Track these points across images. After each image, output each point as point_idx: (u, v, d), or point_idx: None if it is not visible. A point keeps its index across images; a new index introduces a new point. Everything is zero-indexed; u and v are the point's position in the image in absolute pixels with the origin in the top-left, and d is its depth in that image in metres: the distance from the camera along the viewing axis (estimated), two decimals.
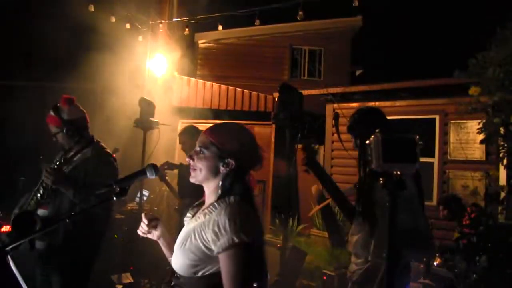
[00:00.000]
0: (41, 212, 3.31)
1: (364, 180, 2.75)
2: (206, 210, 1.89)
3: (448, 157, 7.77)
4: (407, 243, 2.46)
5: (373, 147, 1.39)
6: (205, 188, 1.98)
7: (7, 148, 7.83)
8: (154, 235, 2.17)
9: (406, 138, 1.39)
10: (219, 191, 1.90)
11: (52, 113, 3.43)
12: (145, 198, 7.31)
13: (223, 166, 1.88)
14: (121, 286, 5.51)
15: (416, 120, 8.12)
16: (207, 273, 1.82)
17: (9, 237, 3.27)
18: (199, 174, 1.92)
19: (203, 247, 1.81)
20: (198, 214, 1.94)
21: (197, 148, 1.94)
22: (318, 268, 5.86)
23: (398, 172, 1.36)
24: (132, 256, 6.01)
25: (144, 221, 2.14)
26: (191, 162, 1.94)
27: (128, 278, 5.73)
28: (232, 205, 1.83)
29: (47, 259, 3.28)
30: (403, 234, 2.56)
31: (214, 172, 1.90)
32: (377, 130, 1.40)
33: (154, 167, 2.17)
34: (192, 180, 1.96)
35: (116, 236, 6.46)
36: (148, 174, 2.15)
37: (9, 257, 1.96)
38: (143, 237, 2.21)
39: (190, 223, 1.97)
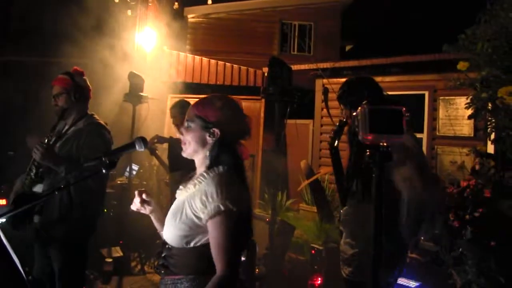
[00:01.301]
0: (37, 188, 3.32)
1: (359, 156, 2.73)
2: (195, 181, 1.92)
3: (437, 133, 7.82)
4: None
5: (360, 118, 1.41)
6: (196, 161, 2.03)
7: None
8: (146, 209, 2.20)
9: (393, 109, 1.40)
10: (207, 161, 1.95)
11: (64, 75, 3.45)
12: (134, 172, 7.32)
13: (209, 136, 1.93)
14: (110, 260, 5.54)
15: (406, 95, 8.14)
16: (198, 244, 1.86)
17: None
18: (188, 147, 1.98)
19: (193, 216, 1.84)
20: (188, 185, 1.97)
21: (185, 123, 1.99)
22: (307, 242, 5.92)
23: (385, 143, 1.38)
24: (121, 230, 6.04)
25: (137, 196, 2.17)
26: (182, 137, 2.00)
27: (117, 252, 5.77)
28: (220, 174, 1.87)
29: (44, 233, 3.29)
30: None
31: (202, 143, 1.95)
32: (364, 102, 1.41)
33: (143, 140, 2.18)
34: (184, 154, 2.01)
35: (105, 210, 6.46)
36: (137, 147, 2.17)
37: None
38: (132, 211, 2.24)
39: (181, 194, 1.99)
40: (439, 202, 2.95)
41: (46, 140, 3.32)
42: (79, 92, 3.46)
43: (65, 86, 3.42)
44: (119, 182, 7.19)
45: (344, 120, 2.95)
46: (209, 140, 1.93)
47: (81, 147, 3.31)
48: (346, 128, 2.97)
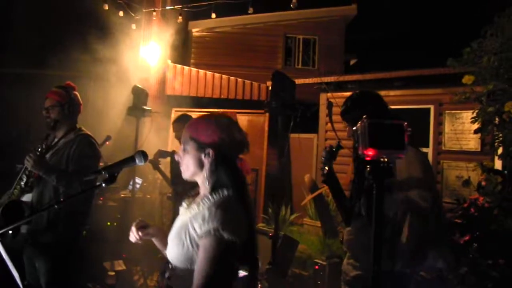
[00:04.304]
0: (26, 197, 3.38)
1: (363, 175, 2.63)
2: (199, 201, 1.90)
3: (443, 147, 7.77)
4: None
5: (360, 133, 1.37)
6: (198, 182, 2.00)
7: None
8: (147, 237, 2.19)
9: (394, 124, 1.36)
10: (207, 183, 1.92)
11: (58, 88, 3.54)
12: (138, 186, 7.31)
13: (205, 157, 1.91)
14: (113, 273, 5.50)
15: (410, 110, 8.10)
16: None
17: None
18: (186, 170, 1.98)
19: (195, 237, 1.81)
20: (192, 205, 1.95)
21: (181, 146, 1.98)
22: (310, 257, 5.87)
23: (386, 159, 1.34)
24: (124, 244, 6.01)
25: (134, 230, 2.15)
26: (180, 160, 1.99)
27: (120, 266, 5.73)
28: (222, 199, 1.85)
29: (32, 242, 3.32)
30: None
31: (199, 165, 1.93)
32: (364, 116, 1.38)
33: (143, 154, 2.17)
34: (184, 175, 2.00)
35: (109, 223, 6.46)
36: (137, 161, 2.15)
37: None
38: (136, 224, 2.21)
39: (184, 214, 1.97)
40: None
41: (38, 149, 3.39)
42: (72, 106, 3.56)
43: (59, 99, 3.50)
44: (122, 195, 7.18)
45: (337, 144, 2.88)
46: (205, 161, 1.91)
47: (71, 156, 3.38)
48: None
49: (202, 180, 1.95)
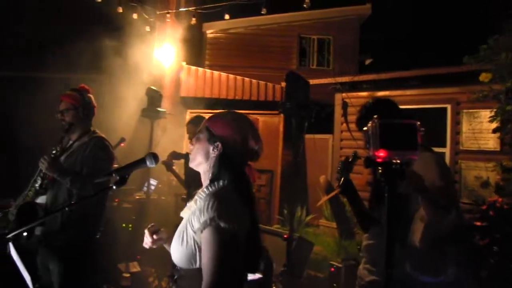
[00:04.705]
0: (41, 199, 3.40)
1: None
2: (197, 197, 1.89)
3: (460, 147, 7.65)
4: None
5: (371, 134, 1.32)
6: (201, 174, 1.99)
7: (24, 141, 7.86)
8: (160, 242, 2.19)
9: (406, 124, 1.31)
10: (208, 175, 1.92)
11: (73, 91, 3.56)
12: (152, 187, 7.32)
13: (213, 150, 1.90)
14: (128, 275, 5.52)
15: (427, 109, 8.00)
16: None
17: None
18: (193, 158, 1.97)
19: (193, 234, 1.78)
20: (191, 202, 1.93)
21: (197, 134, 1.99)
22: (326, 259, 5.81)
23: (398, 160, 1.30)
24: (139, 245, 6.00)
25: (147, 235, 2.16)
26: (191, 147, 1.99)
27: (135, 267, 5.74)
28: (217, 189, 1.84)
29: (45, 244, 3.34)
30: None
31: (206, 156, 1.93)
32: (375, 116, 1.33)
33: (153, 156, 2.15)
34: (190, 164, 2.00)
35: (124, 225, 6.48)
36: (147, 163, 2.14)
37: (10, 244, 1.96)
38: (151, 227, 2.21)
39: (185, 213, 1.95)
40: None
41: (53, 151, 3.41)
42: (86, 109, 3.57)
43: (74, 102, 3.51)
44: (137, 197, 7.19)
45: (354, 155, 2.83)
46: (212, 153, 1.90)
47: (85, 159, 3.40)
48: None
49: (205, 171, 1.95)
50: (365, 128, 1.41)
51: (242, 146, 1.91)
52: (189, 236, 1.80)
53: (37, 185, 3.41)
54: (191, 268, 1.81)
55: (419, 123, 1.32)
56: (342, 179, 2.81)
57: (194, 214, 1.81)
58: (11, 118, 8.37)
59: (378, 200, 2.64)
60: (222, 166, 1.88)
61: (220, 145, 1.89)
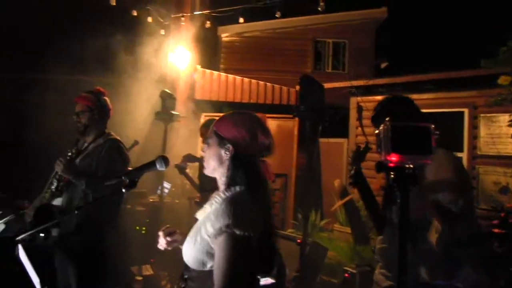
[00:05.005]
0: (57, 201, 3.42)
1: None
2: (212, 201, 1.88)
3: (478, 152, 7.52)
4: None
5: (383, 137, 1.28)
6: (217, 179, 1.98)
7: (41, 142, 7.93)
8: (174, 245, 2.18)
9: (419, 127, 1.26)
10: (223, 179, 1.91)
11: (88, 93, 3.58)
12: (166, 190, 7.33)
13: (225, 153, 1.89)
14: (140, 278, 5.53)
15: (443, 113, 7.90)
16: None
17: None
18: (207, 165, 1.97)
19: (207, 237, 1.78)
20: (206, 205, 1.92)
21: (206, 140, 1.98)
22: (340, 264, 5.74)
23: (410, 165, 1.25)
24: (153, 249, 6.00)
25: (162, 237, 2.14)
26: (203, 154, 1.98)
27: (148, 270, 5.75)
28: (233, 195, 1.82)
29: (61, 246, 3.37)
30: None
31: (219, 160, 1.91)
32: (387, 118, 1.28)
33: (164, 159, 2.14)
34: (205, 171, 1.99)
35: (137, 228, 6.49)
36: (157, 166, 2.13)
37: (20, 246, 1.96)
38: (164, 230, 2.21)
39: (200, 215, 1.95)
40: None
41: (69, 154, 3.45)
42: (102, 111, 3.60)
43: (89, 104, 3.54)
44: (151, 200, 7.21)
45: (365, 145, 2.78)
46: (225, 156, 1.89)
47: (100, 161, 3.42)
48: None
49: (220, 176, 1.94)
50: (376, 131, 1.37)
51: (253, 143, 1.89)
52: (202, 238, 1.80)
53: (53, 187, 3.43)
54: (202, 270, 1.82)
55: (433, 126, 1.27)
56: (354, 169, 2.75)
57: (208, 218, 1.80)
58: (25, 119, 8.47)
59: (390, 200, 2.58)
60: (237, 168, 1.87)
61: (231, 147, 1.87)
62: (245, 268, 1.73)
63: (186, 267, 1.92)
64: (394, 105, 2.67)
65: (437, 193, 2.32)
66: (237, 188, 1.84)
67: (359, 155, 2.80)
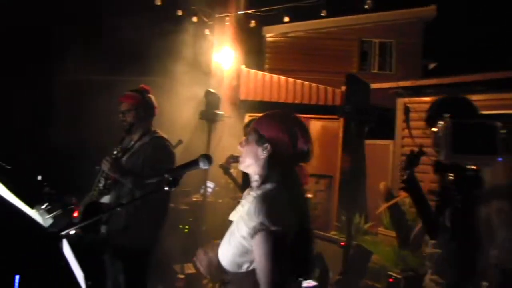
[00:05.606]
0: (105, 199, 3.47)
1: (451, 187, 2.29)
2: (244, 200, 1.88)
3: None
4: None
5: (442, 135, 1.18)
6: (251, 176, 1.96)
7: (84, 139, 8.12)
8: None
9: (484, 124, 1.16)
10: (257, 178, 1.90)
11: (133, 92, 3.61)
12: (210, 190, 7.35)
13: (262, 151, 1.86)
14: (183, 276, 5.56)
15: (496, 115, 7.57)
16: (251, 267, 1.77)
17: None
18: (242, 160, 1.95)
19: (241, 238, 1.76)
20: (239, 206, 1.92)
21: (246, 136, 1.97)
22: (384, 268, 5.60)
23: (473, 166, 1.15)
24: (195, 247, 6.02)
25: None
26: (240, 149, 1.97)
27: (190, 269, 5.77)
28: (264, 192, 1.80)
29: (110, 243, 3.42)
30: None
31: (255, 158, 1.89)
32: (446, 115, 1.19)
33: (207, 157, 2.12)
34: (239, 167, 1.99)
35: (181, 226, 6.54)
36: (201, 165, 2.11)
37: (65, 241, 1.97)
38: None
39: (234, 216, 1.94)
40: None
41: (114, 152, 3.47)
42: (147, 109, 3.61)
43: (134, 103, 3.55)
44: (194, 199, 7.26)
45: (419, 149, 2.65)
46: (261, 155, 1.87)
47: (147, 160, 3.43)
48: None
49: (253, 174, 1.92)
50: (434, 129, 1.27)
51: (291, 147, 1.86)
52: (237, 240, 1.79)
53: (100, 185, 3.48)
54: (238, 272, 1.80)
55: (499, 124, 1.17)
56: (407, 174, 2.64)
57: (241, 218, 1.79)
58: (76, 119, 8.69)
59: (443, 205, 2.45)
60: (271, 167, 1.86)
61: (269, 147, 1.85)
62: (283, 262, 1.71)
63: (223, 269, 1.91)
64: (451, 105, 2.52)
65: (504, 199, 2.16)
66: (268, 185, 1.83)
67: (412, 160, 2.68)
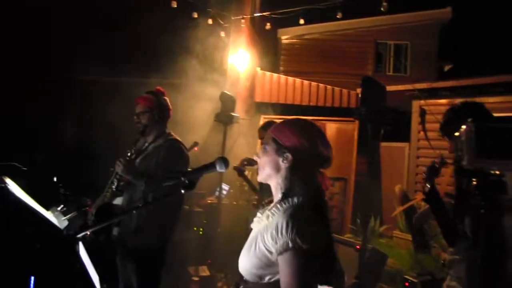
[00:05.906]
0: (117, 201, 3.50)
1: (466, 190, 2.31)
2: (269, 212, 1.81)
3: None
4: None
5: (464, 140, 1.15)
6: (271, 187, 1.91)
7: (99, 141, 8.18)
8: None
9: (507, 128, 1.13)
10: (281, 189, 1.83)
11: (148, 94, 3.60)
12: (225, 192, 7.34)
13: (282, 161, 1.81)
14: (197, 279, 5.56)
15: None
16: (273, 279, 1.73)
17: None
18: (261, 171, 1.89)
19: (265, 251, 1.72)
20: (263, 215, 1.86)
21: (262, 145, 1.91)
22: (400, 272, 5.55)
23: (497, 171, 1.12)
24: (210, 249, 6.04)
25: None
26: (258, 160, 1.91)
27: (204, 271, 5.77)
28: (294, 207, 1.74)
29: (122, 245, 3.43)
30: None
31: (276, 168, 1.84)
32: (469, 119, 1.16)
33: (224, 160, 2.11)
34: (258, 178, 1.93)
35: (195, 228, 6.54)
36: (217, 168, 2.10)
37: (80, 243, 1.98)
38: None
39: (256, 225, 1.90)
40: None
41: (128, 154, 3.49)
42: (162, 111, 3.59)
43: (149, 105, 3.55)
44: (209, 201, 7.25)
45: (442, 160, 2.62)
46: (282, 165, 1.82)
47: (160, 162, 3.43)
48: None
49: (275, 185, 1.87)
50: (456, 134, 1.25)
51: (313, 154, 1.82)
52: (260, 251, 1.74)
53: (113, 186, 3.50)
54: (258, 282, 1.77)
55: None
56: (428, 186, 2.61)
57: (266, 231, 1.74)
58: (90, 120, 8.75)
59: (462, 211, 2.42)
60: (294, 178, 1.80)
61: (290, 156, 1.80)
62: (311, 279, 1.67)
63: (241, 277, 1.88)
64: (468, 111, 2.49)
65: None
66: (295, 199, 1.77)
67: (434, 171, 2.65)
